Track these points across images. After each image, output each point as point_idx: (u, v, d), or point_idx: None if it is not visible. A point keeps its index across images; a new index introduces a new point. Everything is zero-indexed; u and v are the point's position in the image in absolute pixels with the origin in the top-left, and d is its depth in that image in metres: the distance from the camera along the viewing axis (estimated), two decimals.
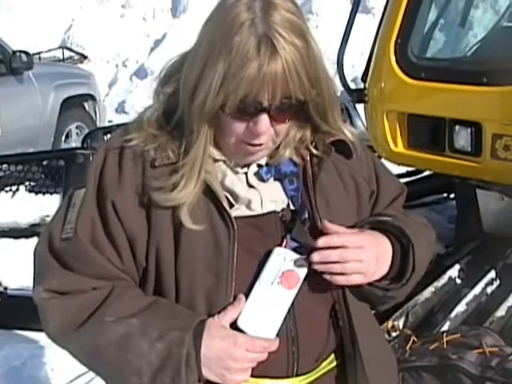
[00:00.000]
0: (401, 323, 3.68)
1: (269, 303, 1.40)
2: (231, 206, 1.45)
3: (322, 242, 1.43)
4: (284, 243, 1.44)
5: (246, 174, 1.49)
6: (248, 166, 1.49)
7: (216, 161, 1.48)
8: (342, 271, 1.43)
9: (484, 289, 4.25)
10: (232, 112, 1.37)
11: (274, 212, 1.48)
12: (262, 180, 1.48)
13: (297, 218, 1.47)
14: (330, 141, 1.53)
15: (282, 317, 1.41)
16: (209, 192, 1.42)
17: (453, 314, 3.82)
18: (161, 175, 1.42)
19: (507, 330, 3.76)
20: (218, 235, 1.41)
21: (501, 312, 3.89)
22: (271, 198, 1.48)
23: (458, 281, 4.49)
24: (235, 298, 1.41)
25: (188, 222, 1.40)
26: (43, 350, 3.78)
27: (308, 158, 1.54)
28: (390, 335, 3.51)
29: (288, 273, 1.41)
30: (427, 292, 4.10)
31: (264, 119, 1.37)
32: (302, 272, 1.43)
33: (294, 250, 1.44)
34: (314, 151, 1.53)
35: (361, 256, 1.44)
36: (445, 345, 3.06)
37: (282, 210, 1.49)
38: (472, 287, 4.21)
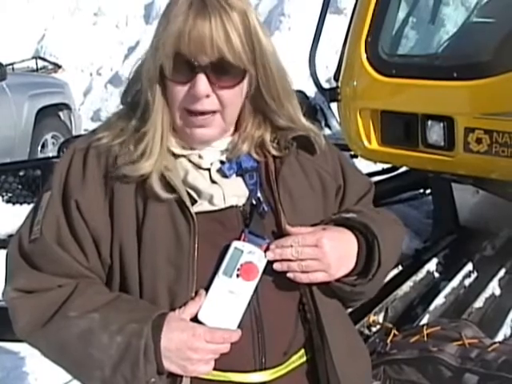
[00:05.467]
0: (380, 318, 3.72)
1: (228, 296, 1.42)
2: (194, 201, 1.46)
3: (273, 245, 1.46)
4: (242, 236, 1.47)
5: (208, 170, 1.50)
6: (211, 163, 1.50)
7: (177, 157, 1.50)
8: (301, 269, 1.45)
9: (462, 281, 4.31)
10: (170, 74, 1.41)
11: (236, 206, 1.50)
12: (225, 176, 1.50)
13: (254, 211, 1.50)
14: (292, 136, 1.55)
15: (242, 308, 1.43)
16: (170, 189, 1.43)
17: (432, 307, 3.87)
18: (124, 156, 1.45)
19: (485, 321, 3.81)
20: (178, 230, 1.43)
21: (479, 303, 3.95)
22: (234, 192, 1.50)
23: (436, 274, 4.54)
24: (197, 291, 1.43)
25: (160, 190, 1.42)
26: (26, 360, 3.77)
27: (270, 155, 1.55)
28: (370, 330, 3.54)
29: (247, 265, 1.43)
30: (406, 286, 4.15)
31: (200, 79, 1.39)
32: (261, 264, 1.45)
33: (254, 242, 1.46)
34: (274, 152, 1.54)
35: (317, 254, 1.45)
36: (425, 337, 3.10)
37: (244, 204, 1.51)
38: (450, 280, 4.27)
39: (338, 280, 1.50)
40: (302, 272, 1.46)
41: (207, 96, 1.41)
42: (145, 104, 1.45)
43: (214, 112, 1.44)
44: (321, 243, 1.46)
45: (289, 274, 1.46)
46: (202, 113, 1.43)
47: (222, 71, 1.40)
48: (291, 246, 1.45)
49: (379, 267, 1.52)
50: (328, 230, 1.51)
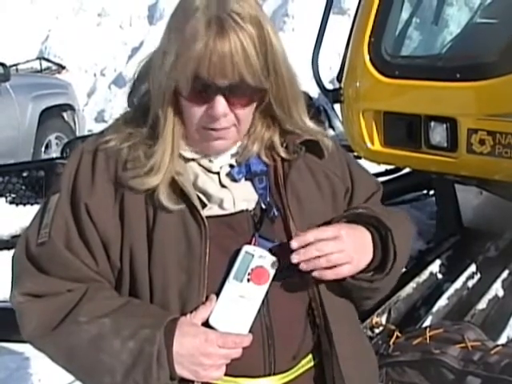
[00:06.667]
0: (383, 319, 3.71)
1: (239, 300, 1.42)
2: (204, 205, 1.46)
3: (295, 244, 1.42)
4: (253, 241, 1.46)
5: (218, 174, 1.50)
6: (221, 166, 1.50)
7: (187, 161, 1.49)
8: (329, 264, 1.43)
9: (465, 283, 4.30)
10: (188, 95, 1.39)
11: (246, 211, 1.49)
12: (234, 180, 1.50)
13: (265, 215, 1.49)
14: (301, 140, 1.54)
15: (253, 313, 1.42)
16: (181, 193, 1.43)
17: (435, 309, 3.86)
18: (133, 168, 1.44)
19: (489, 323, 3.80)
20: (189, 235, 1.42)
21: (482, 305, 3.94)
22: (243, 197, 1.49)
23: (439, 276, 4.53)
24: (208, 296, 1.42)
25: (167, 202, 1.41)
26: (29, 361, 3.77)
27: (279, 158, 1.55)
28: (373, 332, 3.53)
29: (257, 269, 1.43)
30: (409, 288, 4.14)
31: (219, 101, 1.38)
32: (272, 268, 1.44)
33: (264, 246, 1.45)
34: (283, 154, 1.54)
35: (341, 246, 1.43)
36: (428, 340, 3.09)
37: (254, 208, 1.50)
38: (453, 281, 4.25)
39: (355, 278, 1.49)
40: (328, 268, 1.44)
41: (224, 115, 1.41)
42: (155, 117, 1.44)
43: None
44: (340, 233, 1.44)
45: (314, 273, 1.44)
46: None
47: (241, 92, 1.39)
48: (312, 242, 1.42)
49: (395, 261, 1.51)
50: (342, 226, 1.50)
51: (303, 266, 1.43)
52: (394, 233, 1.51)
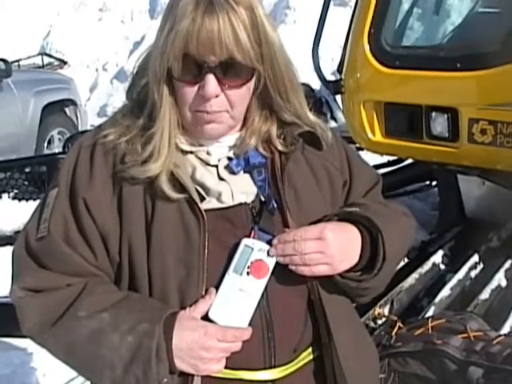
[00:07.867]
0: (386, 310, 3.71)
1: (239, 293, 1.41)
2: (203, 199, 1.46)
3: (275, 242, 1.44)
4: (252, 234, 1.46)
5: (216, 167, 1.49)
6: (219, 159, 1.50)
7: (185, 153, 1.49)
8: (303, 262, 1.43)
9: (468, 273, 4.29)
10: (179, 75, 1.39)
11: (245, 204, 1.49)
12: (233, 173, 1.49)
13: (264, 208, 1.49)
14: (298, 132, 1.54)
15: (253, 306, 1.42)
16: (179, 186, 1.43)
17: (437, 299, 3.86)
18: (131, 160, 1.44)
19: (491, 313, 3.80)
20: (188, 228, 1.42)
21: (484, 295, 3.94)
22: (242, 189, 1.49)
23: (442, 266, 4.53)
24: (207, 290, 1.42)
25: (169, 190, 1.41)
26: (33, 356, 3.77)
27: (276, 151, 1.54)
28: (375, 323, 3.54)
29: (257, 263, 1.42)
30: (411, 278, 4.14)
31: (210, 80, 1.38)
32: (271, 261, 1.44)
33: (263, 239, 1.45)
34: (280, 147, 1.53)
35: (321, 247, 1.44)
36: (430, 330, 3.08)
37: (252, 201, 1.50)
38: (456, 272, 4.25)
39: (342, 276, 1.49)
40: (305, 265, 1.44)
41: (216, 96, 1.40)
42: (152, 104, 1.44)
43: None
44: (323, 235, 1.44)
45: (290, 267, 1.44)
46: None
47: (231, 71, 1.39)
48: (294, 240, 1.43)
49: (384, 262, 1.50)
50: (330, 223, 1.49)
51: (280, 259, 1.44)
52: (385, 234, 1.50)
